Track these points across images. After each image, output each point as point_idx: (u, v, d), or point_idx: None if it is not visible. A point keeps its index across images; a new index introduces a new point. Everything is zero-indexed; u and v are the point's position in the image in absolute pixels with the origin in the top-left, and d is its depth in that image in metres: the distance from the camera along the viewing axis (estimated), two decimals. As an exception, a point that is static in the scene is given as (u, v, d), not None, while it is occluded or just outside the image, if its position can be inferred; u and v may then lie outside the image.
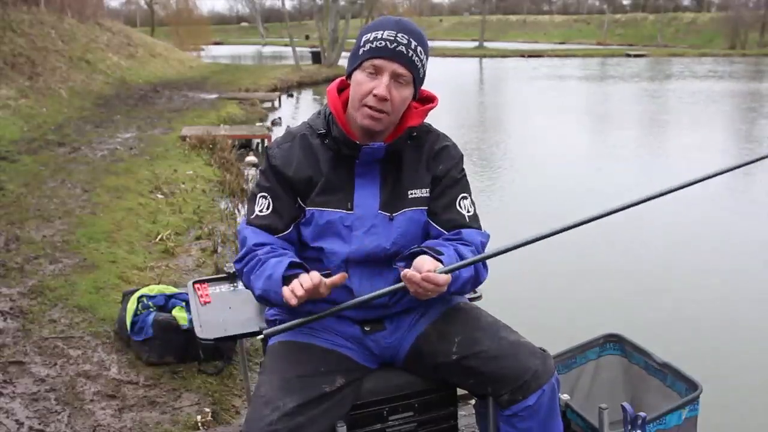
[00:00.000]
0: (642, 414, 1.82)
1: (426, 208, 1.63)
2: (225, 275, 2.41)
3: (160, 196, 6.32)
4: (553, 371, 1.56)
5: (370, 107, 1.52)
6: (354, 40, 1.62)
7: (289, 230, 1.61)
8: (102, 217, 5.35)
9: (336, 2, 29.12)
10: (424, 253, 1.50)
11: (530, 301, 4.47)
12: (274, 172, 1.60)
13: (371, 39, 1.52)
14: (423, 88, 1.63)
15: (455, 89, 20.94)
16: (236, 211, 6.22)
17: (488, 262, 1.55)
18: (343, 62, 29.07)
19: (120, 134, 9.73)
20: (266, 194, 1.61)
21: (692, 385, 2.00)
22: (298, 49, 29.55)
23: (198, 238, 5.14)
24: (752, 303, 4.65)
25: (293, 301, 1.42)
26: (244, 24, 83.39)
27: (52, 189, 6.20)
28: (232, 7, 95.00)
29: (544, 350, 1.59)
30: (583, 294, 4.81)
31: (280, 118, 13.68)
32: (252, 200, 1.65)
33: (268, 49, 50.03)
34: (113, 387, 2.87)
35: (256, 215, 1.61)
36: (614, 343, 2.30)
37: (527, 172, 9.23)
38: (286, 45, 37.60)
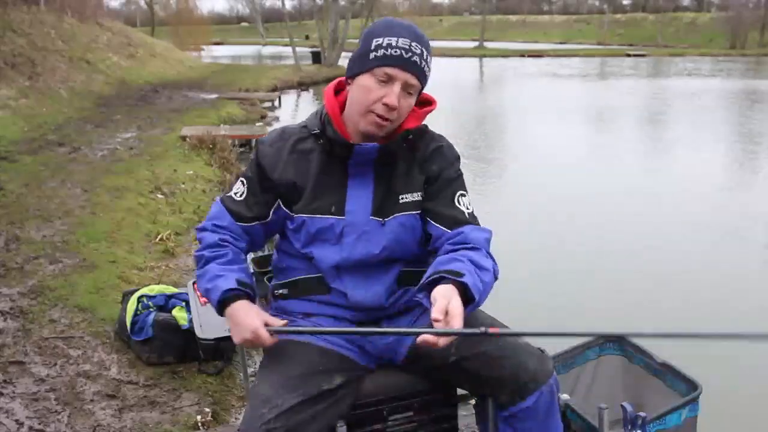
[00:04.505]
0: (642, 414, 1.82)
1: (418, 212, 1.60)
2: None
3: (160, 196, 6.31)
4: (552, 372, 1.55)
5: (377, 115, 1.50)
6: (355, 41, 1.61)
7: (252, 224, 1.63)
8: (102, 217, 5.34)
9: (336, 2, 29.09)
10: (443, 278, 1.41)
11: (530, 300, 4.47)
12: (259, 169, 1.61)
13: (384, 45, 1.49)
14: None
15: (455, 89, 20.93)
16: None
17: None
18: (344, 62, 29.15)
19: (120, 134, 9.72)
20: (245, 183, 1.64)
21: (692, 385, 2.00)
22: (298, 49, 29.53)
23: (198, 238, 5.14)
24: (753, 303, 4.64)
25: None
26: (244, 24, 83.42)
27: (52, 189, 6.20)
28: (232, 7, 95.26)
29: (542, 351, 1.58)
30: (584, 293, 4.81)
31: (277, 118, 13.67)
32: (236, 179, 1.70)
33: (268, 49, 50.03)
34: (113, 387, 2.87)
35: (231, 196, 1.66)
36: (614, 342, 2.30)
37: (525, 171, 9.23)
38: (286, 45, 37.58)
